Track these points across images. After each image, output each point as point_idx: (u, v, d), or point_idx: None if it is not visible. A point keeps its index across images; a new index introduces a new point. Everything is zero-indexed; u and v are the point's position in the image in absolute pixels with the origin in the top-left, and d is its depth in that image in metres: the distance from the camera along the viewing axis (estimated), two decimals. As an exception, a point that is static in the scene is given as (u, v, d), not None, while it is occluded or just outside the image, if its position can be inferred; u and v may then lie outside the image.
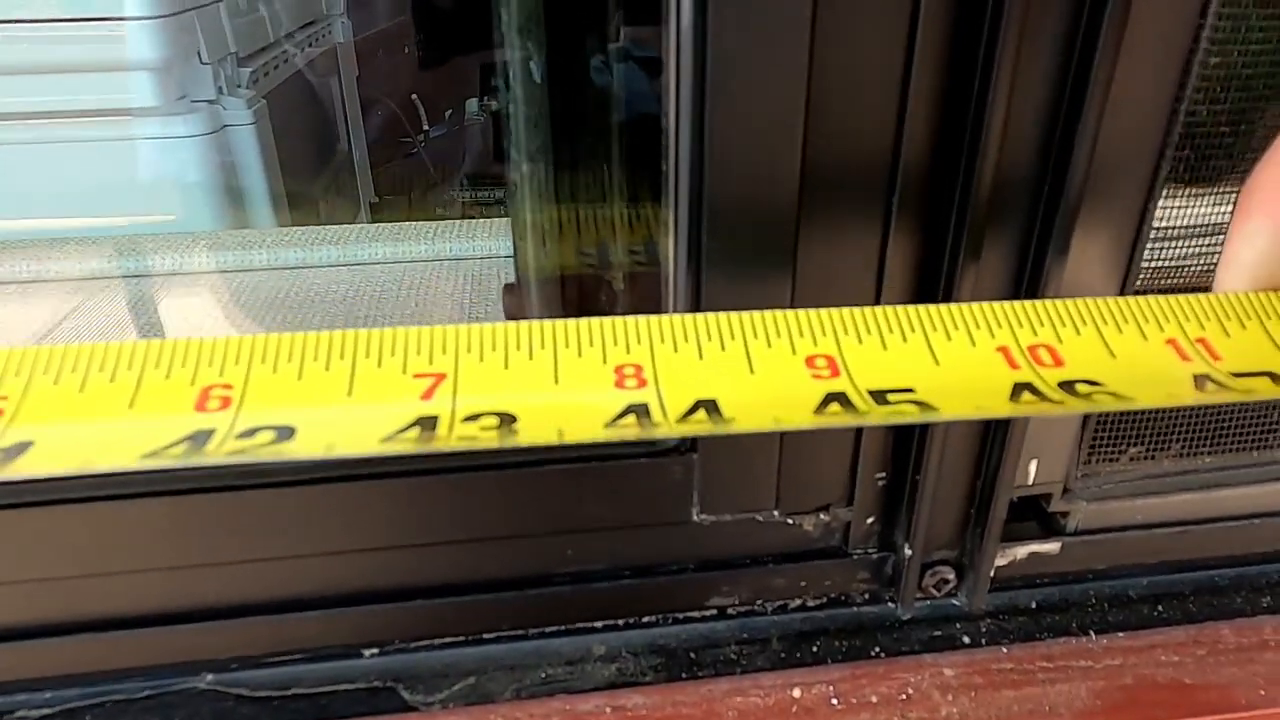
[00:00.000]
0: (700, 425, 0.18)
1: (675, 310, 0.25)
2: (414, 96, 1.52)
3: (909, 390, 0.19)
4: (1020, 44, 0.22)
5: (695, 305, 0.24)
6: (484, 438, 0.17)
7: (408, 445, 0.17)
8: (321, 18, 1.13)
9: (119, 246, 0.58)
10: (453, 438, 0.17)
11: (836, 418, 0.18)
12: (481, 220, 0.61)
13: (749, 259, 0.24)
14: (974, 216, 0.23)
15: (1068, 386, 0.19)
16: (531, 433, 0.18)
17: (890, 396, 0.19)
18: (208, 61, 0.72)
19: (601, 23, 0.25)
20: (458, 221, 0.61)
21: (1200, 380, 0.19)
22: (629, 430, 0.18)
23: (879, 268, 0.25)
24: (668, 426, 0.18)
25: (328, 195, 1.10)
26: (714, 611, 0.31)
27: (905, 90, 0.23)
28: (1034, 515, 0.32)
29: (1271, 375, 0.18)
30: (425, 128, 1.54)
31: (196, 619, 0.28)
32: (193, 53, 0.70)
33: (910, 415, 0.18)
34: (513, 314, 0.27)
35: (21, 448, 0.16)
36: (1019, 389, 0.19)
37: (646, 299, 0.26)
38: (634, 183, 0.27)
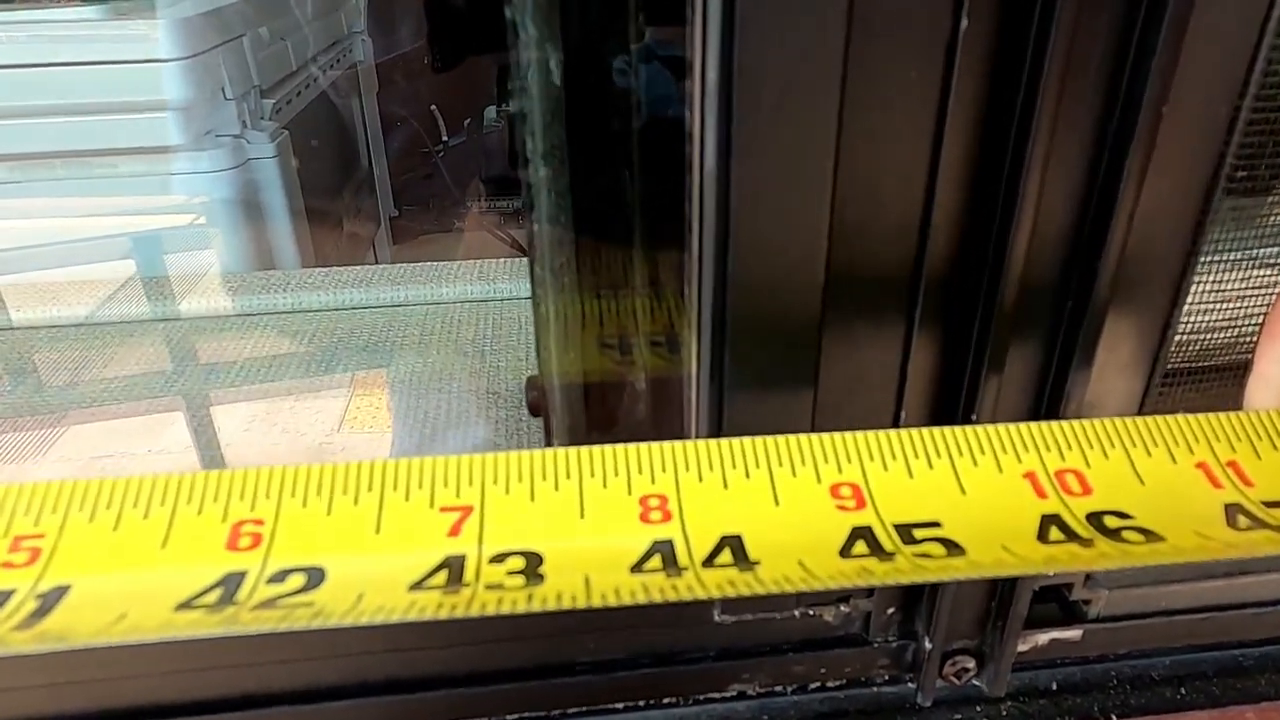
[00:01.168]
0: (725, 574, 0.18)
1: (697, 421, 0.25)
2: (433, 108, 1.52)
3: (936, 524, 0.19)
4: (1048, 157, 0.21)
5: (718, 417, 0.24)
6: (510, 588, 0.17)
7: (434, 599, 0.17)
8: (343, 38, 1.14)
9: (150, 288, 0.59)
10: (479, 586, 0.17)
11: (863, 563, 0.18)
12: (501, 261, 0.62)
13: (771, 372, 0.24)
14: (998, 327, 0.23)
15: (1096, 520, 0.19)
16: (558, 581, 0.18)
17: (917, 533, 0.19)
18: (231, 97, 0.73)
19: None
20: (478, 262, 0.61)
21: (1232, 513, 0.19)
22: (654, 579, 0.18)
23: (900, 380, 0.25)
24: (693, 573, 0.18)
25: (349, 213, 1.11)
26: (734, 694, 0.31)
27: (929, 202, 0.23)
28: (1055, 601, 0.32)
29: None
30: (444, 138, 1.54)
31: (223, 709, 0.29)
32: (217, 90, 0.71)
33: (937, 561, 0.18)
34: (535, 409, 0.28)
35: (60, 593, 0.17)
36: (1047, 522, 0.19)
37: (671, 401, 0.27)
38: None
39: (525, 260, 0.66)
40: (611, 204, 0.25)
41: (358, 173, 1.20)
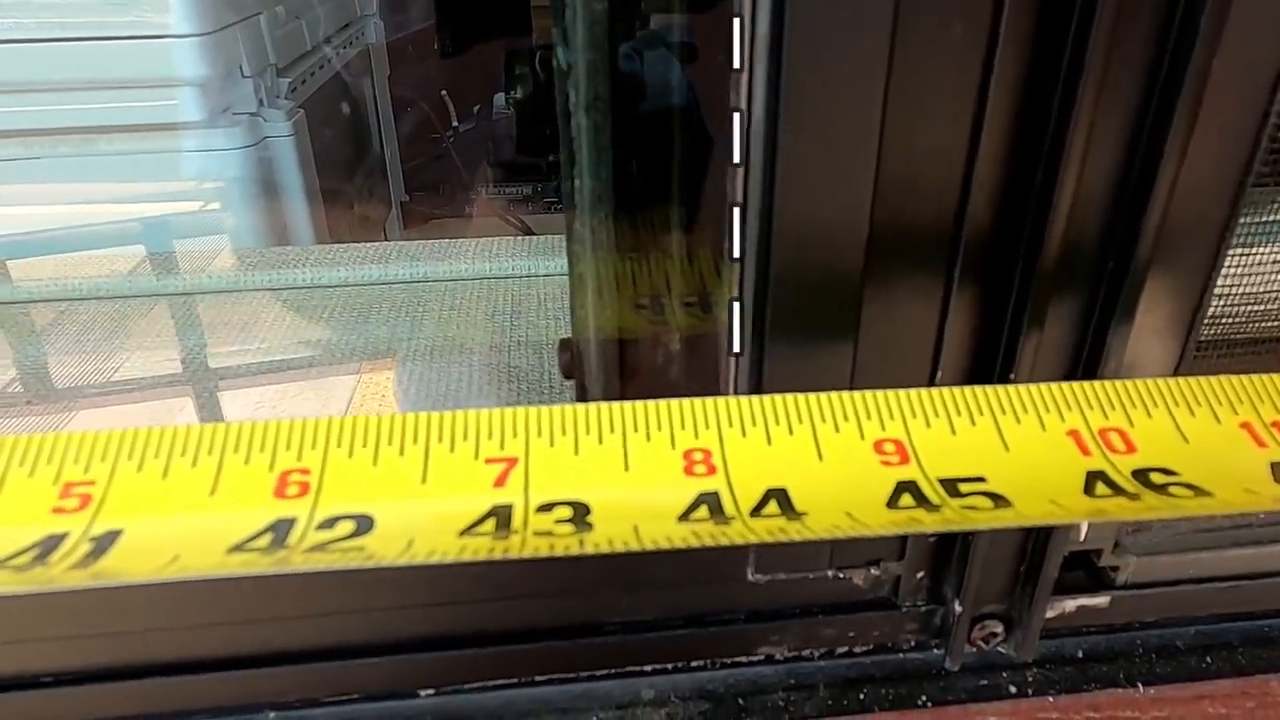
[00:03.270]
0: (773, 523, 0.18)
1: (737, 379, 0.25)
2: (443, 93, 1.52)
3: (980, 479, 0.19)
4: (1094, 116, 0.21)
5: (759, 375, 0.24)
6: (560, 534, 0.18)
7: (484, 543, 0.17)
8: (355, 20, 1.14)
9: (166, 264, 0.59)
10: (528, 533, 0.18)
11: (909, 514, 0.18)
12: (520, 239, 0.62)
13: (812, 329, 0.24)
14: (1039, 285, 0.23)
15: (1141, 476, 0.19)
16: (606, 529, 0.18)
17: (962, 486, 0.19)
18: (249, 75, 0.73)
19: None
20: (496, 239, 0.62)
21: (1277, 469, 0.19)
22: (703, 527, 0.18)
23: (938, 338, 0.25)
24: (741, 522, 0.18)
25: (361, 196, 1.11)
26: (762, 657, 0.32)
27: (972, 160, 0.23)
28: (1083, 568, 0.32)
29: None
30: (455, 124, 1.54)
31: (260, 664, 0.29)
32: (235, 67, 0.71)
33: (984, 512, 0.18)
34: (569, 371, 0.28)
35: (112, 537, 0.17)
36: (1092, 478, 0.19)
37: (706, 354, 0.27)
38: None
39: (534, 239, 0.66)
40: (654, 161, 0.25)
41: (369, 155, 1.20)
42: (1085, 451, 0.20)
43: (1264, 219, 0.27)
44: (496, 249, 0.61)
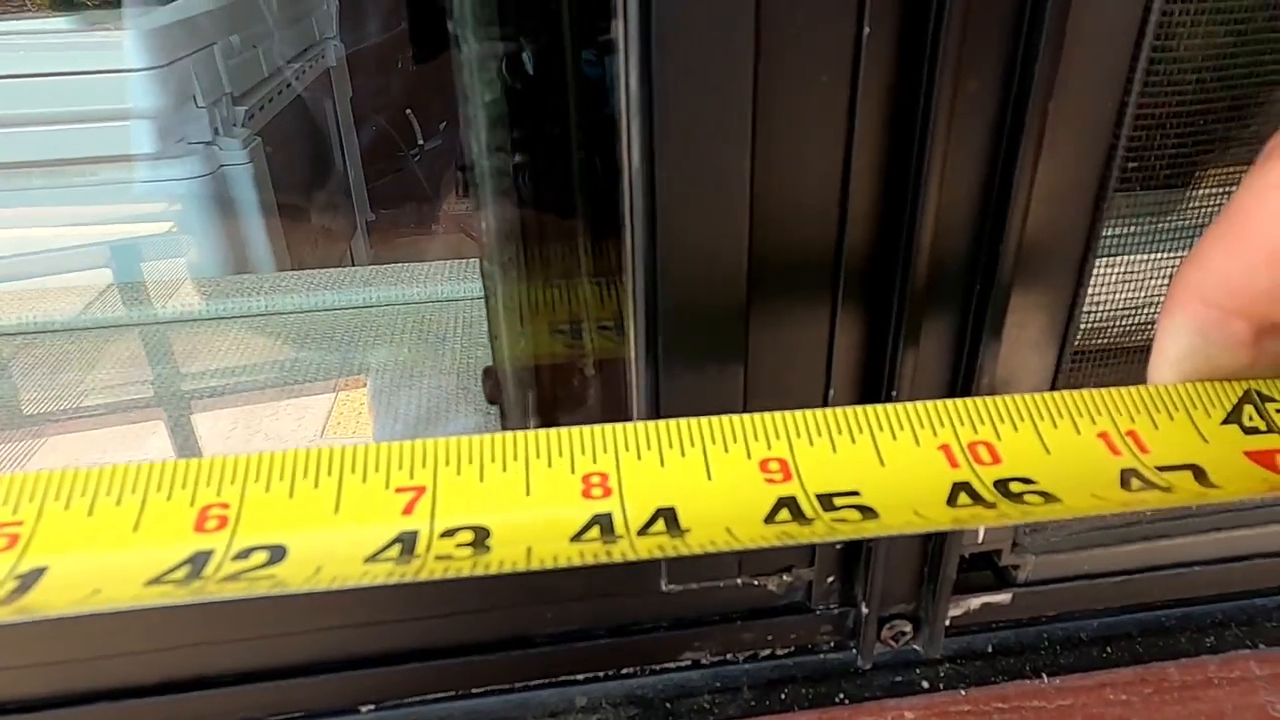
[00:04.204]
0: (658, 540, 0.20)
1: (638, 402, 0.27)
2: (407, 111, 1.53)
3: (855, 494, 0.21)
4: (948, 149, 0.23)
5: (655, 397, 0.26)
6: (459, 558, 0.19)
7: (387, 569, 0.19)
8: (314, 43, 1.15)
9: (125, 293, 0.60)
10: (430, 558, 0.19)
11: (785, 528, 0.20)
12: (470, 262, 0.63)
13: (703, 353, 0.26)
14: (912, 306, 0.25)
15: (1002, 486, 0.21)
16: (502, 551, 0.20)
17: (836, 500, 0.20)
18: (203, 105, 0.74)
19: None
20: (449, 262, 0.63)
21: (1126, 477, 0.21)
22: (591, 547, 0.20)
23: (828, 357, 0.27)
24: (629, 540, 0.20)
25: (324, 218, 1.12)
26: (688, 662, 0.33)
27: (845, 194, 0.24)
28: (987, 567, 0.34)
29: (1194, 469, 0.19)
30: (420, 142, 1.55)
31: (204, 686, 0.31)
32: (189, 98, 0.72)
33: (852, 524, 0.20)
34: (492, 398, 0.29)
35: (37, 574, 0.18)
36: (957, 490, 0.21)
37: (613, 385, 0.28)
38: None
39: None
40: (556, 198, 0.26)
41: (332, 177, 1.20)
42: (954, 464, 0.21)
43: (1134, 229, 0.29)
44: (450, 272, 0.62)
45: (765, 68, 0.22)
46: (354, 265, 1.26)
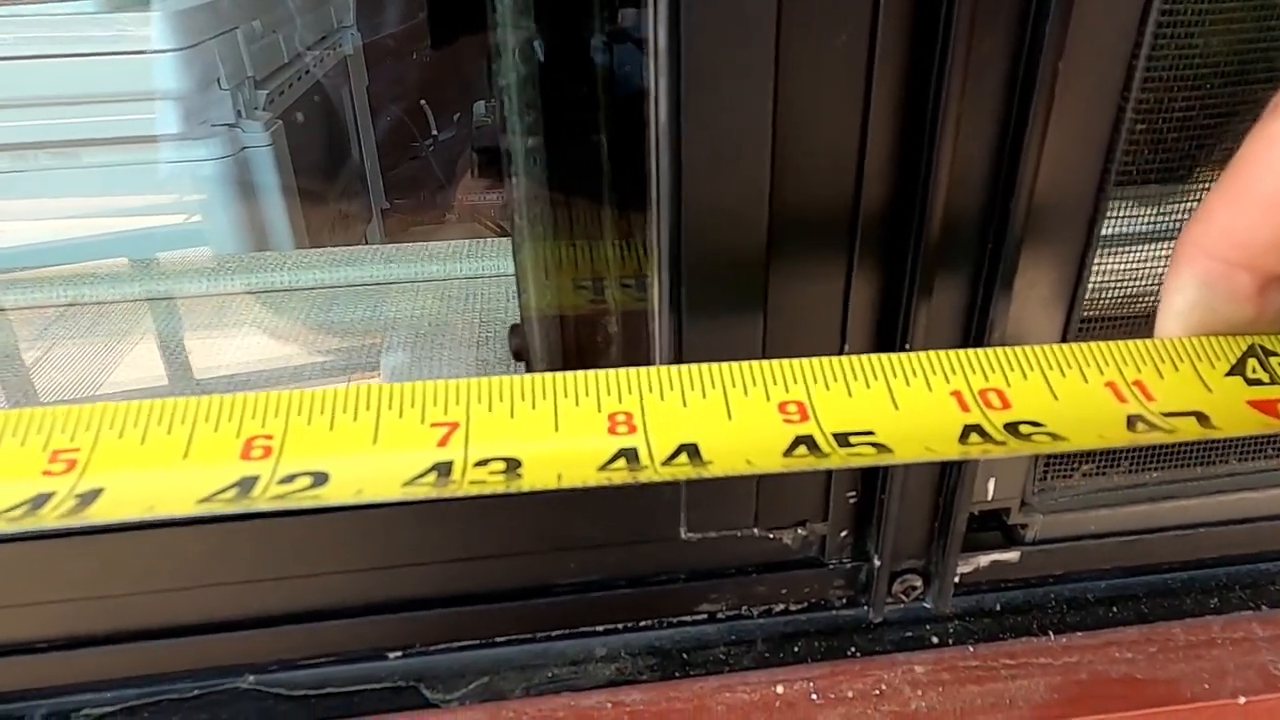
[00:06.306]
0: (682, 469, 0.21)
1: (660, 351, 0.28)
2: (422, 102, 1.55)
3: (870, 433, 0.22)
4: (962, 108, 0.24)
5: (678, 346, 0.27)
6: (492, 482, 0.20)
7: (426, 489, 0.20)
8: (332, 31, 1.16)
9: (147, 271, 0.62)
10: (465, 482, 0.20)
11: (802, 460, 0.21)
12: (492, 240, 0.64)
13: (724, 304, 0.27)
14: (926, 260, 0.26)
15: (1012, 428, 0.21)
16: (533, 477, 0.21)
17: (852, 439, 0.21)
18: (227, 87, 0.75)
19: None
20: (468, 241, 0.64)
21: (1133, 420, 0.21)
22: (619, 474, 0.21)
23: (843, 310, 0.28)
24: (653, 469, 0.21)
25: (341, 204, 1.13)
26: (704, 616, 0.34)
27: (862, 151, 0.25)
28: (996, 526, 0.34)
29: (1198, 415, 0.20)
30: (434, 132, 1.57)
31: (240, 627, 0.32)
32: (213, 80, 0.74)
33: (868, 457, 0.21)
34: (519, 354, 0.31)
35: (95, 494, 0.20)
36: (968, 431, 0.22)
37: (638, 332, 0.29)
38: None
39: (502, 240, 0.69)
40: (582, 161, 0.28)
41: (349, 164, 1.22)
42: (965, 409, 0.22)
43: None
44: (467, 250, 0.64)
45: (786, 29, 0.23)
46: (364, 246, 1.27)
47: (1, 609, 0.31)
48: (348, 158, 1.22)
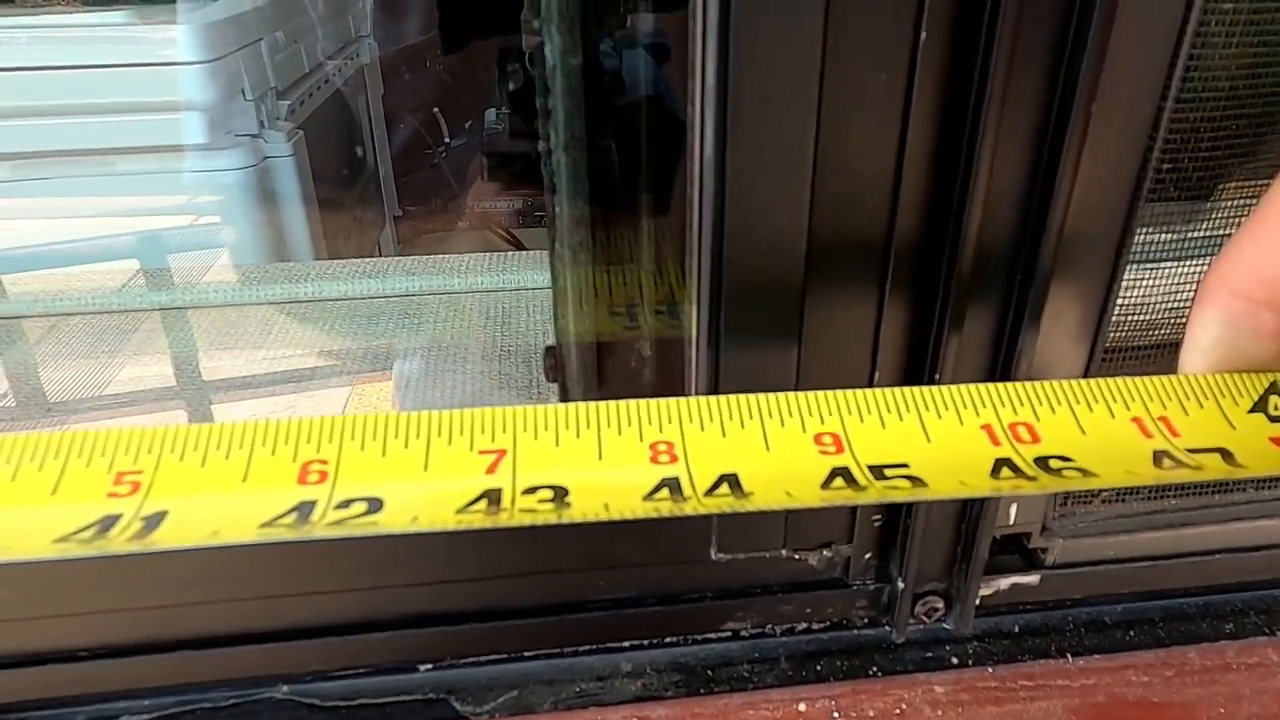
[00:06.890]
0: (724, 499, 0.21)
1: (697, 378, 0.29)
2: (436, 110, 1.56)
3: (904, 465, 0.22)
4: (996, 147, 0.25)
5: (715, 375, 0.28)
6: (543, 511, 0.21)
7: (479, 517, 0.21)
8: (350, 41, 1.18)
9: (164, 280, 0.63)
10: (515, 510, 0.21)
11: (840, 493, 0.22)
12: (511, 254, 0.65)
13: (761, 334, 0.27)
14: (957, 293, 0.27)
15: (1042, 462, 0.22)
16: (582, 506, 0.22)
17: (887, 471, 0.22)
18: (250, 98, 0.76)
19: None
20: (488, 255, 0.65)
21: (1159, 457, 0.22)
22: (664, 504, 0.22)
23: (874, 340, 0.28)
24: (696, 500, 0.22)
25: (356, 211, 1.14)
26: (729, 634, 0.35)
27: (897, 186, 0.26)
28: (1016, 549, 0.35)
29: (1223, 451, 0.21)
30: (446, 139, 1.58)
31: (275, 639, 0.32)
32: (237, 91, 0.75)
33: (904, 491, 0.22)
34: (552, 376, 0.31)
35: (160, 517, 0.20)
36: (999, 465, 0.22)
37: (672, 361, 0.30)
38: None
39: (526, 254, 0.70)
40: (623, 188, 0.28)
41: (364, 172, 1.23)
42: (995, 442, 0.23)
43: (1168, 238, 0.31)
44: (486, 264, 0.64)
45: (830, 67, 0.24)
46: (381, 257, 1.28)
47: (44, 619, 0.32)
48: (364, 165, 1.23)
